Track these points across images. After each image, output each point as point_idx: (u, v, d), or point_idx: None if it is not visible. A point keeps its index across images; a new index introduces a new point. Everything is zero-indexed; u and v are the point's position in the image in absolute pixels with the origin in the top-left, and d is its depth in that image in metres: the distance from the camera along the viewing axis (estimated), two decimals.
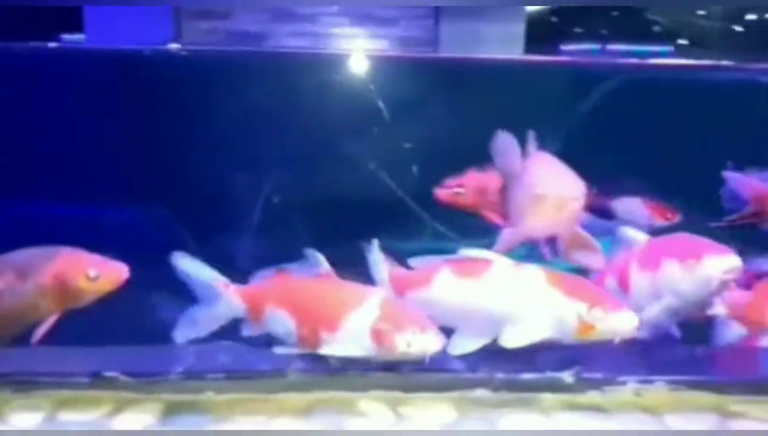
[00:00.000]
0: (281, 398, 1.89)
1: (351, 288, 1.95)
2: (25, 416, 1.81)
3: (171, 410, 1.86)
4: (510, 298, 1.96)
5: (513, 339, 1.94)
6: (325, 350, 1.89)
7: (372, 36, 4.06)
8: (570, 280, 1.97)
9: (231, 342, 2.01)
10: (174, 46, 3.32)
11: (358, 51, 3.43)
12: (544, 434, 1.84)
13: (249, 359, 1.94)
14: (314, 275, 1.98)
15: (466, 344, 1.97)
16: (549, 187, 2.08)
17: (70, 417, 1.82)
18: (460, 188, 2.60)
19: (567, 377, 1.94)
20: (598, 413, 1.90)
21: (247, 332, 2.06)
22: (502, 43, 3.97)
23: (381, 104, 2.94)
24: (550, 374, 1.95)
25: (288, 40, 3.98)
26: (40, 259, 2.10)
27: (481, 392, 1.92)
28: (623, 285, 2.14)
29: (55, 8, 3.45)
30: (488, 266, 1.99)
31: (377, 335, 1.83)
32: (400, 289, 2.10)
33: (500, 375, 1.94)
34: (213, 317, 2.03)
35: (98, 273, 2.09)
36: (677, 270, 2.01)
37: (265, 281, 2.06)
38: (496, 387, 1.93)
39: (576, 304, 1.89)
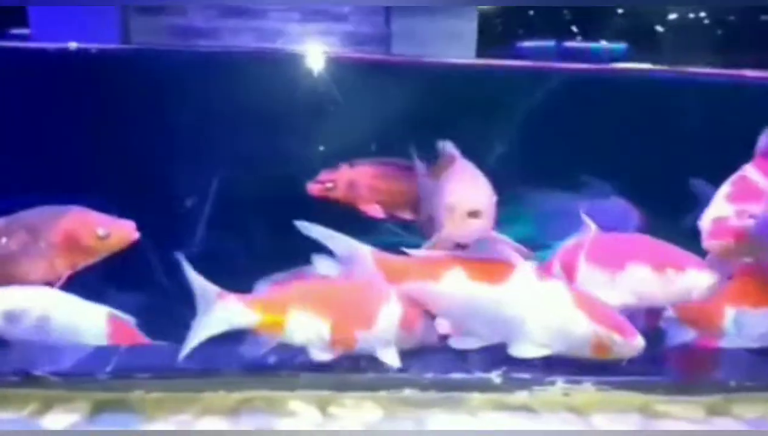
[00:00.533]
0: (209, 397, 1.91)
1: (373, 285, 1.99)
2: None
3: (100, 409, 1.88)
4: (530, 307, 1.98)
5: (525, 350, 1.99)
6: (360, 349, 1.97)
7: (322, 32, 4.08)
8: (593, 301, 2.00)
9: (162, 342, 2.01)
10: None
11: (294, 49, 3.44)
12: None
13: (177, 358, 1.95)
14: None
15: (468, 343, 2.03)
16: (456, 198, 2.12)
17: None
18: (331, 184, 2.71)
19: (495, 377, 1.98)
20: (526, 412, 1.94)
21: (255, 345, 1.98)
22: (455, 39, 4.00)
23: (312, 102, 2.97)
24: (478, 374, 1.99)
25: (236, 36, 3.99)
26: (51, 218, 2.19)
27: (409, 392, 1.96)
28: (569, 274, 2.17)
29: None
30: (511, 270, 2.00)
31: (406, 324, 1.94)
32: (397, 277, 2.04)
33: (429, 375, 1.98)
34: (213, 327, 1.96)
35: (108, 232, 2.18)
36: (650, 276, 2.06)
37: (283, 287, 2.01)
38: (425, 387, 1.96)
39: (597, 326, 1.94)
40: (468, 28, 4.07)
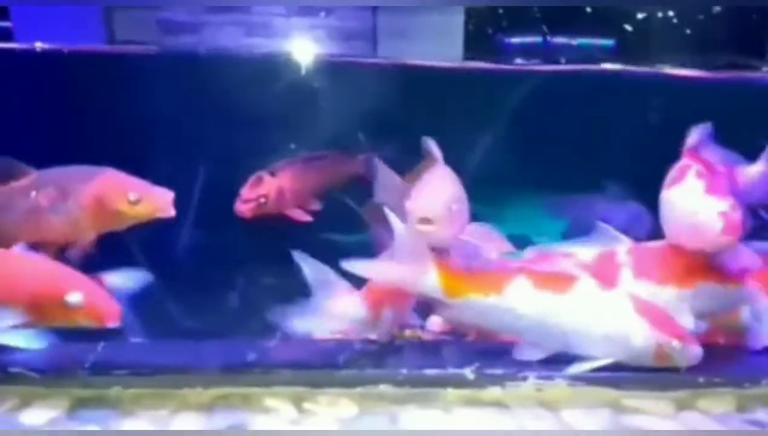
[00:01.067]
0: (185, 394, 1.97)
1: None
2: None
3: (79, 405, 1.95)
4: (592, 317, 2.04)
5: (587, 359, 2.05)
6: None
7: (308, 27, 4.13)
8: (655, 310, 2.06)
9: (138, 339, 2.07)
10: None
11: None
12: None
13: (155, 354, 2.01)
14: None
15: (531, 354, 2.08)
16: (412, 204, 2.16)
17: None
18: (263, 198, 2.69)
19: (469, 373, 2.04)
20: (498, 408, 2.00)
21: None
22: (442, 34, 4.05)
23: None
24: (452, 370, 2.05)
25: (221, 30, 4.04)
26: (82, 177, 2.15)
27: (384, 388, 2.02)
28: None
29: None
30: (574, 281, 2.05)
31: None
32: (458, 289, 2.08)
33: (403, 371, 2.04)
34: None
35: (139, 197, 2.12)
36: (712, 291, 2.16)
37: None
38: (399, 383, 2.02)
39: (660, 335, 2.01)
40: (455, 23, 4.12)
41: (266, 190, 2.67)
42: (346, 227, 2.72)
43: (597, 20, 4.28)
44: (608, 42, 4.41)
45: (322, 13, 4.08)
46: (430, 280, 2.01)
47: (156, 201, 2.12)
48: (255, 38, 4.22)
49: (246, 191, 2.65)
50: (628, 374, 2.07)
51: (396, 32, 4.13)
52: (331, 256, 2.11)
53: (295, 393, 2.01)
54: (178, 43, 3.84)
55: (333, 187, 2.73)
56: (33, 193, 2.13)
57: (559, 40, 4.51)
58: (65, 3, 3.53)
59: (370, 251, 2.20)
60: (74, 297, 1.88)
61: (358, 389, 2.02)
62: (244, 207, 2.64)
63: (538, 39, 4.52)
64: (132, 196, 2.10)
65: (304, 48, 3.87)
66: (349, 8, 4.10)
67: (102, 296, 1.92)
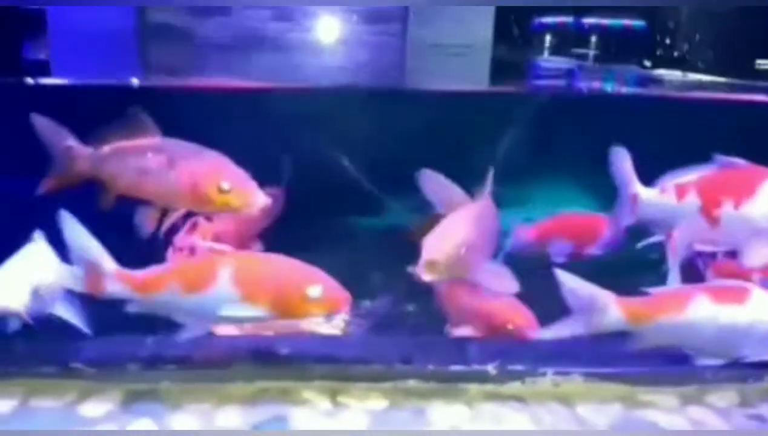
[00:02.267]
0: (228, 388, 2.23)
1: None
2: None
3: (132, 398, 2.21)
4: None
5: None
6: None
7: (341, 10, 4.35)
8: None
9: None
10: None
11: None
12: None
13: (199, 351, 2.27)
14: None
15: (709, 361, 2.26)
16: (434, 241, 2.35)
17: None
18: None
19: (491, 368, 2.29)
20: (517, 402, 2.25)
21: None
22: (472, 15, 4.22)
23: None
24: (476, 366, 2.30)
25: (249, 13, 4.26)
26: (190, 154, 2.24)
27: (412, 383, 2.27)
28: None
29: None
30: (748, 293, 2.18)
31: None
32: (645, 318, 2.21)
33: (430, 367, 2.28)
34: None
35: (231, 188, 2.19)
36: None
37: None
38: (426, 378, 2.27)
39: None
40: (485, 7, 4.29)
41: (201, 235, 2.54)
42: None
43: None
44: (640, 23, 4.54)
45: None
46: (613, 315, 2.17)
47: (246, 196, 2.21)
48: (283, 22, 4.44)
49: (179, 239, 2.51)
50: (639, 369, 2.29)
51: (427, 16, 4.33)
52: None
53: (330, 387, 2.24)
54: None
55: (275, 224, 2.59)
56: (149, 155, 2.24)
57: (590, 20, 4.66)
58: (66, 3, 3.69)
59: None
60: (315, 290, 2.07)
61: (388, 384, 2.25)
62: (178, 257, 2.47)
63: (569, 19, 4.67)
64: (224, 185, 2.18)
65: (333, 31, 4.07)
66: None
67: (334, 286, 2.11)
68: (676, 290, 2.28)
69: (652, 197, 2.45)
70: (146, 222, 2.27)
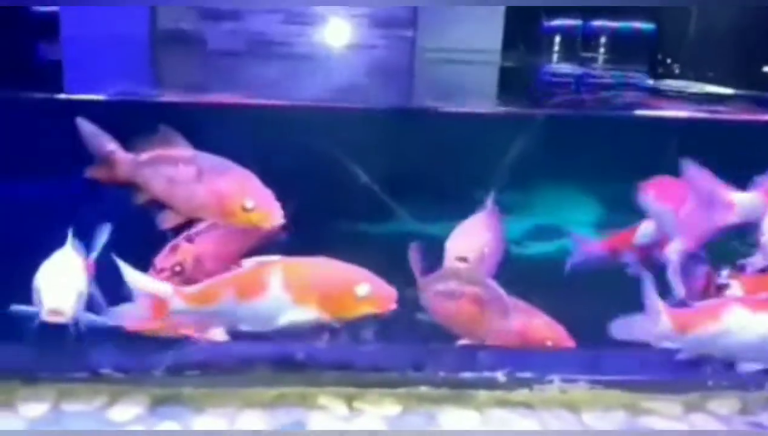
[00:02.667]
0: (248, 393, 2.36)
1: None
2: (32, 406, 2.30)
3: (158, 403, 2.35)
4: None
5: None
6: None
7: (350, 15, 4.48)
8: None
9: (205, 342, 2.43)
10: None
11: None
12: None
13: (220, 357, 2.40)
14: None
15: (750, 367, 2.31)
16: (450, 242, 2.53)
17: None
18: (178, 266, 2.49)
19: (501, 375, 2.41)
20: (524, 409, 2.37)
21: None
22: (482, 20, 4.31)
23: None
24: (486, 373, 2.42)
25: (260, 17, 4.37)
26: (218, 169, 2.30)
27: (424, 389, 2.39)
28: None
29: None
30: None
31: None
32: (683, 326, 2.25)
33: (442, 373, 2.41)
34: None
35: (254, 206, 2.25)
36: None
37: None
38: (438, 384, 2.40)
39: None
40: (496, 8, 4.40)
41: (182, 257, 2.48)
42: None
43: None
44: (649, 26, 4.61)
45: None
46: (664, 325, 2.22)
47: (266, 214, 2.27)
48: (293, 26, 4.56)
49: (160, 260, 2.46)
50: (643, 377, 2.41)
51: (437, 19, 4.44)
52: None
53: (345, 393, 2.37)
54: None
55: (258, 245, 2.49)
56: (180, 166, 2.32)
57: (599, 23, 4.74)
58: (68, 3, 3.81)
59: None
60: (363, 289, 2.13)
61: (402, 390, 2.38)
62: (157, 278, 2.37)
63: (578, 22, 4.76)
64: (248, 204, 2.25)
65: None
66: None
67: (381, 284, 2.17)
68: (718, 301, 2.34)
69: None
70: (166, 224, 2.38)
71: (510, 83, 4.12)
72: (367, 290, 2.13)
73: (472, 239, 2.51)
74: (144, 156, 2.32)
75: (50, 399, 2.33)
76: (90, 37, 4.09)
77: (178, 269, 2.44)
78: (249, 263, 2.16)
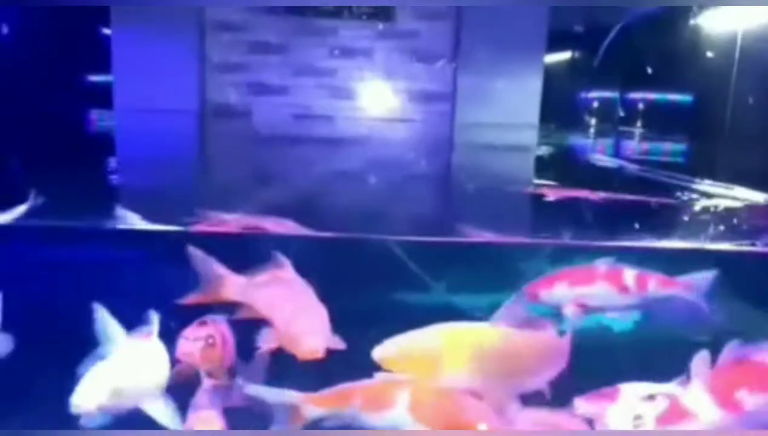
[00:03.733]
0: None
1: None
2: None
3: None
4: None
5: None
6: None
7: (391, 90, 4.66)
8: None
9: None
10: None
11: None
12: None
13: None
14: None
15: None
16: None
17: None
18: (210, 338, 2.48)
19: None
20: None
21: None
22: (520, 95, 4.45)
23: None
24: None
25: (306, 91, 4.56)
26: (298, 305, 2.36)
27: None
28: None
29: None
30: None
31: None
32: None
33: None
34: None
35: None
36: None
37: None
38: None
39: None
40: (533, 84, 4.56)
41: (212, 330, 2.48)
42: None
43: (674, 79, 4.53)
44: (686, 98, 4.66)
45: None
46: None
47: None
48: (339, 100, 4.76)
49: (191, 330, 2.44)
50: None
51: (475, 94, 4.60)
52: None
53: None
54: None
55: None
56: (278, 291, 2.43)
57: (635, 96, 4.84)
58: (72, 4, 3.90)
59: None
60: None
61: None
62: (191, 346, 2.39)
63: (615, 94, 4.88)
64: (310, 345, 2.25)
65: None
66: (430, 71, 4.58)
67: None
68: None
69: None
70: (266, 344, 2.50)
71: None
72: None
73: None
74: (255, 280, 2.49)
75: None
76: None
77: (210, 340, 2.44)
78: (380, 376, 2.24)
